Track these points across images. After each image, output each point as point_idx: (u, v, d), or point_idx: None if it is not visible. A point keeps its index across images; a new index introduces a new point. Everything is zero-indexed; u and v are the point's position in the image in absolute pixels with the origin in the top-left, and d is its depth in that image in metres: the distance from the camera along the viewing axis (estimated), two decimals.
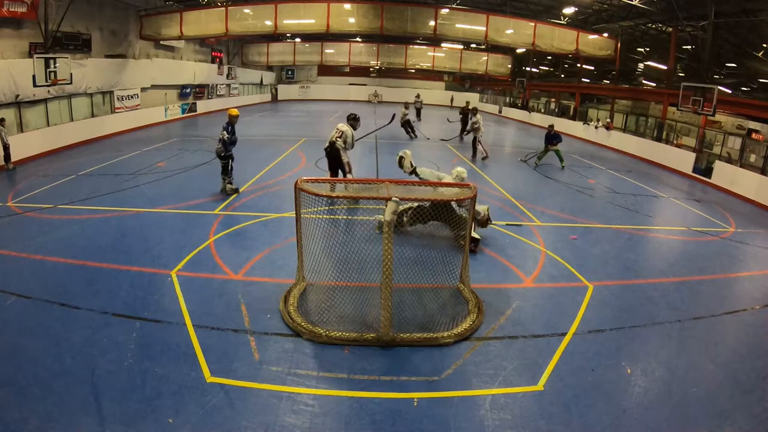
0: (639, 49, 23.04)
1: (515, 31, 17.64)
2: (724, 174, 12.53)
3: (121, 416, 3.31)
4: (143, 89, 18.58)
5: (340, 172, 8.32)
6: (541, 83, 29.98)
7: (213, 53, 25.72)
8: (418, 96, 24.68)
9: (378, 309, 4.42)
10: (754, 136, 14.44)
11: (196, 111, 23.11)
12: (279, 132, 18.51)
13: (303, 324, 4.46)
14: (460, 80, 39.21)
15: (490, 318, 4.82)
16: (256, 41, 28.87)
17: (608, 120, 20.01)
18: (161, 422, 3.27)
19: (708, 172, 13.17)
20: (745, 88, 18.76)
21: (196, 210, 7.91)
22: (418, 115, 23.35)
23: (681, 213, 9.90)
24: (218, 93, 26.24)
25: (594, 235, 7.72)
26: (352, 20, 16.71)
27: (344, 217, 7.33)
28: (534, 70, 29.42)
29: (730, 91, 17.22)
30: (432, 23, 16.86)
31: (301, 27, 17.49)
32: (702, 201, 10.97)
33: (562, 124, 15.84)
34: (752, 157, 12.62)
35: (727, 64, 18.63)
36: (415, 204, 6.20)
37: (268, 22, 16.74)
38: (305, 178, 4.71)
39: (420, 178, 6.71)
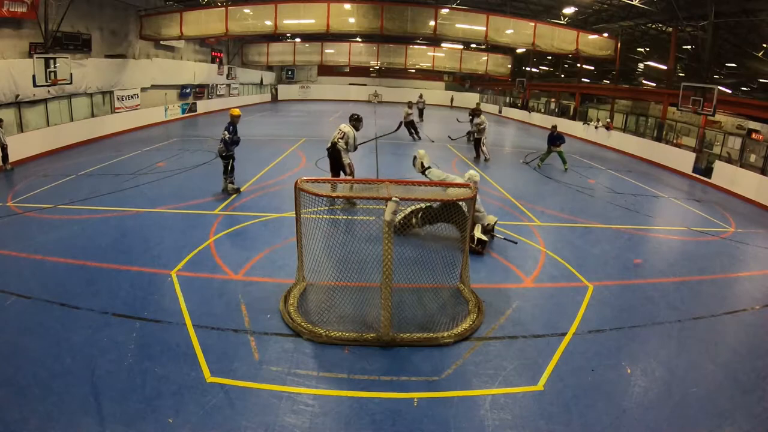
0: (639, 49, 23.05)
1: (515, 31, 17.62)
2: (724, 174, 12.53)
3: (121, 416, 3.31)
4: (143, 89, 18.58)
5: (341, 173, 8.25)
6: (541, 83, 29.98)
7: (213, 53, 25.72)
8: (420, 96, 24.59)
9: (378, 309, 4.42)
10: (754, 136, 14.46)
11: (196, 111, 23.11)
12: (279, 132, 18.50)
13: (303, 324, 4.46)
14: (460, 80, 39.22)
15: (490, 318, 4.82)
16: (256, 41, 28.87)
17: (608, 120, 20.02)
18: (161, 422, 3.28)
19: (708, 172, 13.17)
20: (745, 88, 18.76)
21: (196, 210, 7.91)
22: (421, 115, 23.27)
23: (681, 213, 9.90)
24: (218, 93, 26.24)
25: (594, 235, 7.72)
26: (352, 20, 16.70)
27: (344, 217, 7.33)
28: (534, 70, 29.43)
29: (730, 91, 17.23)
30: (432, 23, 16.85)
31: (301, 27, 17.48)
32: (702, 201, 10.97)
33: (562, 124, 15.82)
34: (752, 157, 12.63)
35: (727, 64, 18.64)
36: (425, 205, 6.20)
37: (268, 22, 16.74)
38: (305, 178, 4.71)
39: (428, 179, 6.71)
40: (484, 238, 6.51)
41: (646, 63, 23.85)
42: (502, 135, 22.00)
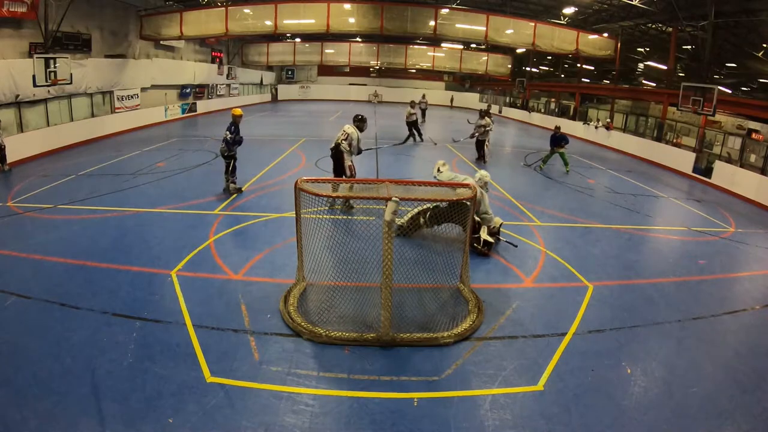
0: (639, 49, 23.05)
1: (515, 31, 17.61)
2: (724, 174, 12.53)
3: (121, 416, 3.31)
4: (143, 89, 18.58)
5: (343, 176, 8.12)
6: (541, 83, 29.98)
7: (213, 53, 25.72)
8: (423, 96, 24.48)
9: (378, 309, 4.42)
10: (754, 136, 14.45)
11: (196, 111, 23.11)
12: (279, 132, 18.49)
13: (303, 324, 4.46)
14: (460, 80, 39.21)
15: (490, 318, 4.83)
16: (256, 41, 28.88)
17: (608, 120, 20.01)
18: (161, 422, 3.28)
19: (708, 172, 13.17)
20: (745, 88, 18.77)
21: (196, 210, 7.91)
22: (423, 116, 23.21)
23: (681, 213, 9.90)
24: (218, 93, 26.24)
25: (594, 235, 7.72)
26: (352, 20, 16.70)
27: (344, 217, 7.33)
28: (534, 70, 29.43)
29: (730, 91, 17.23)
30: (432, 23, 16.85)
31: (301, 27, 17.48)
32: (702, 201, 10.97)
33: (562, 124, 15.74)
34: (752, 157, 12.62)
35: (727, 64, 18.64)
36: (432, 205, 6.18)
37: (268, 22, 16.74)
38: (305, 178, 4.71)
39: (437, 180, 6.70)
40: (490, 240, 6.50)
41: (646, 63, 23.86)
42: (502, 135, 21.96)
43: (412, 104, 17.02)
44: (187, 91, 22.83)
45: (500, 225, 6.83)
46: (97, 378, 3.68)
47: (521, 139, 21.04)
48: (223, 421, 3.31)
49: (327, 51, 28.62)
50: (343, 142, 7.89)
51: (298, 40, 28.69)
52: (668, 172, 14.62)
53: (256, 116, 23.83)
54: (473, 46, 26.44)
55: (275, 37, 25.57)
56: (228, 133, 8.45)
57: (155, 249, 6.23)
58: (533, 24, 17.90)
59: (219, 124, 18.56)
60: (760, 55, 16.76)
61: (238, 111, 8.72)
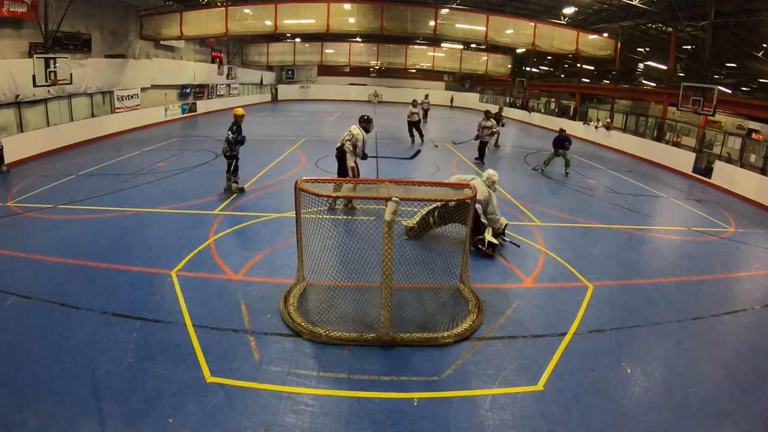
0: (639, 49, 23.05)
1: (515, 31, 17.60)
2: (724, 174, 12.53)
3: (121, 416, 3.31)
4: (143, 89, 18.57)
5: (345, 176, 8.08)
6: (541, 83, 29.97)
7: (213, 53, 25.71)
8: (426, 97, 24.22)
9: (378, 309, 4.42)
10: (754, 136, 14.46)
11: (196, 111, 23.10)
12: (279, 132, 18.47)
13: (303, 324, 4.46)
14: (460, 80, 39.20)
15: (490, 318, 4.83)
16: (256, 41, 28.87)
17: (608, 120, 20.01)
18: (161, 422, 3.28)
19: (708, 172, 13.17)
20: (745, 88, 18.77)
21: (196, 210, 7.91)
22: (425, 116, 23.11)
23: (681, 213, 9.90)
24: (218, 93, 26.23)
25: (594, 235, 7.72)
26: (352, 20, 16.69)
27: (344, 217, 7.33)
28: (534, 70, 29.41)
29: (730, 91, 17.23)
30: (432, 23, 16.84)
31: (301, 27, 17.47)
32: (702, 201, 10.97)
33: (562, 125, 15.77)
34: (752, 157, 12.62)
35: (727, 64, 18.64)
36: (440, 204, 6.16)
37: (268, 22, 16.73)
38: (305, 178, 4.71)
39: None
40: (495, 241, 6.50)
41: (646, 63, 23.85)
42: (501, 135, 21.88)
43: (414, 103, 16.65)
44: (187, 91, 22.83)
45: (505, 225, 6.81)
46: (97, 378, 3.68)
47: (521, 139, 21.03)
48: (223, 421, 3.31)
49: (327, 51, 28.60)
50: (347, 142, 7.88)
51: (298, 40, 28.68)
52: (668, 172, 14.62)
53: (256, 116, 23.82)
54: (473, 46, 26.43)
55: (275, 37, 25.56)
56: (230, 133, 8.45)
57: (155, 249, 6.23)
58: (533, 24, 17.88)
59: (219, 124, 18.61)
60: (760, 55, 16.76)
61: (240, 111, 8.72)
